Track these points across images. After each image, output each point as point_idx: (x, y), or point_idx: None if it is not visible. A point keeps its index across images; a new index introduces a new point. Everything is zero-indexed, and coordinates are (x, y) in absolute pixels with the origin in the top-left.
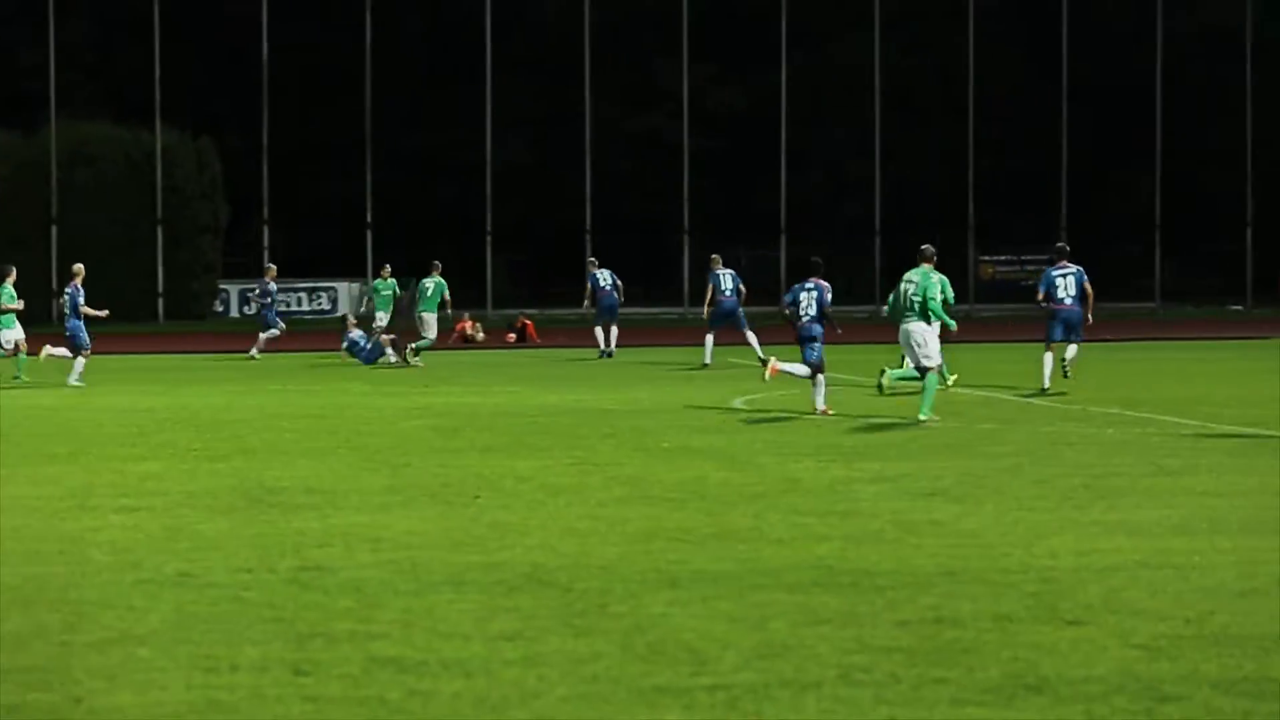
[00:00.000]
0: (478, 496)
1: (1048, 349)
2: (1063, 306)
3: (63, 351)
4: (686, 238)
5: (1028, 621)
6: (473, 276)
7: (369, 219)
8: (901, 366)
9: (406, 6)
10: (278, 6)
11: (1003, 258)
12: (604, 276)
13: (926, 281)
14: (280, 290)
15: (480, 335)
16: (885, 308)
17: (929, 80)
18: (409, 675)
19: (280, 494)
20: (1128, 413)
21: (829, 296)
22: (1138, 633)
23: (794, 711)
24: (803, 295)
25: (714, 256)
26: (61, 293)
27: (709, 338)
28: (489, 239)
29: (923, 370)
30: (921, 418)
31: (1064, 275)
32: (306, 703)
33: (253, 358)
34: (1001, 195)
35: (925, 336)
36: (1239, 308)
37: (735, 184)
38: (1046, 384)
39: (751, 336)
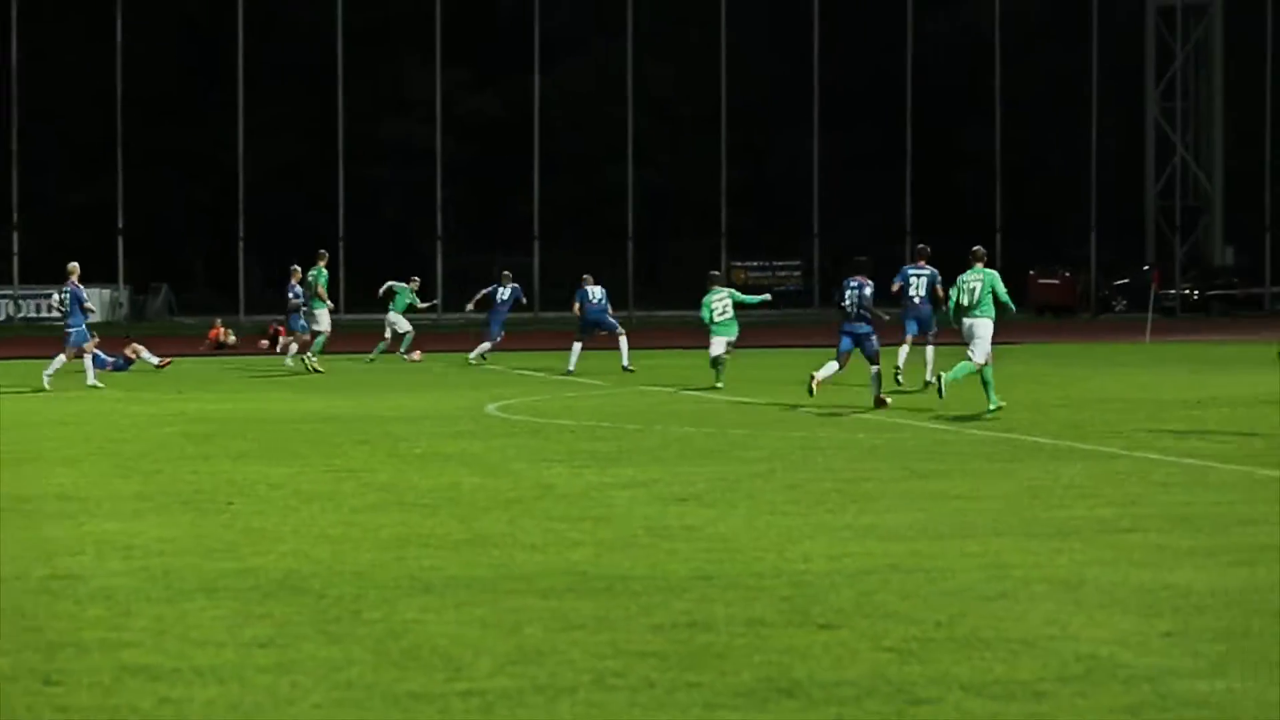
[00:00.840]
0: (231, 503)
1: (905, 343)
2: (913, 305)
3: (146, 354)
4: (440, 244)
5: (780, 625)
6: (225, 282)
7: (120, 224)
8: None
9: (159, 8)
10: (26, 10)
11: (755, 264)
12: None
13: (992, 279)
14: (30, 296)
15: (232, 340)
16: (948, 308)
17: (683, 87)
18: (161, 683)
19: (31, 502)
20: (884, 418)
21: (870, 290)
22: (889, 636)
23: (548, 716)
24: (847, 292)
25: (585, 276)
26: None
27: (577, 345)
28: (241, 244)
29: (978, 364)
30: (991, 408)
31: (919, 275)
32: (57, 712)
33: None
34: (755, 201)
35: (987, 331)
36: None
37: (489, 190)
38: (930, 377)
39: (624, 342)
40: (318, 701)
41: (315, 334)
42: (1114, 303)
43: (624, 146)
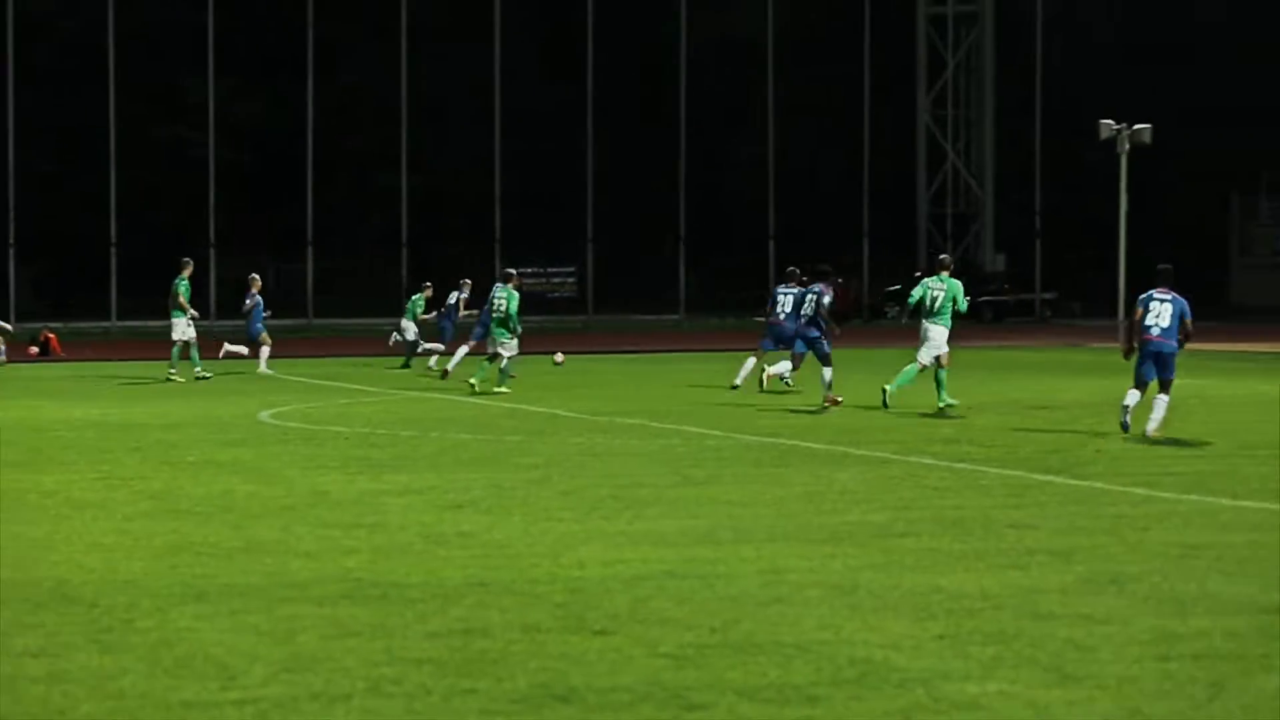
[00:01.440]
0: None
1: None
2: (778, 322)
3: (240, 349)
4: (213, 250)
5: (556, 631)
6: None
7: None
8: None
9: None
10: None
11: (530, 269)
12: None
13: (955, 289)
14: None
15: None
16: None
17: (459, 92)
18: None
19: None
20: (653, 424)
21: (828, 299)
22: (664, 642)
23: None
24: (807, 297)
25: (464, 281)
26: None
27: (463, 350)
28: (11, 250)
29: (921, 365)
30: (941, 404)
31: (785, 294)
32: None
33: None
34: (530, 206)
35: (941, 337)
36: (762, 319)
37: (261, 197)
38: (743, 380)
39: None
40: (89, 712)
41: (174, 342)
42: (887, 309)
43: (398, 152)
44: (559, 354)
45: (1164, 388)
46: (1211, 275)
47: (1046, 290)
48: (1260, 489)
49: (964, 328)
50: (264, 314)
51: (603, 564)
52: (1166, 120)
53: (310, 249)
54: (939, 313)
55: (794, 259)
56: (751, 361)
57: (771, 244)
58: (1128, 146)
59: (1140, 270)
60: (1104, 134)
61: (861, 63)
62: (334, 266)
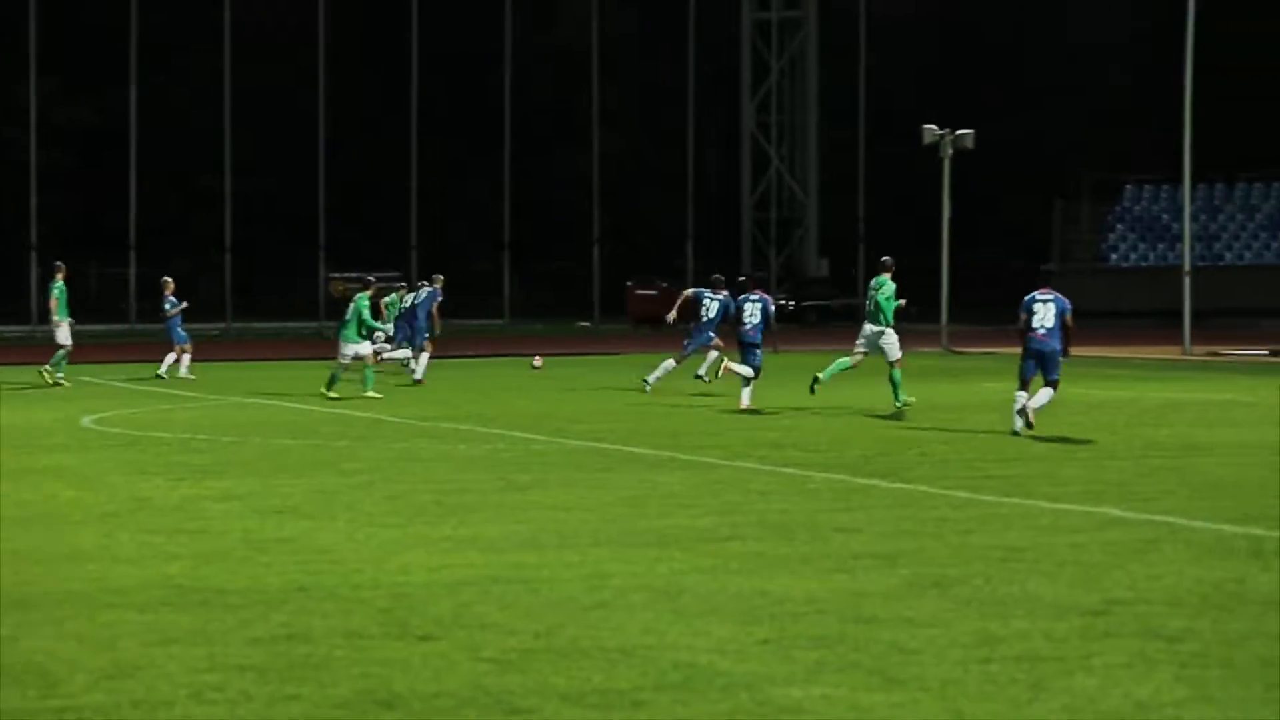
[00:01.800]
0: None
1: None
2: (743, 328)
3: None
4: (34, 254)
5: (379, 637)
6: None
7: None
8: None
9: None
10: None
11: (354, 275)
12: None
13: (889, 291)
14: None
15: None
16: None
17: (284, 96)
18: None
19: None
20: (479, 429)
21: (773, 308)
22: (488, 647)
23: None
24: (746, 305)
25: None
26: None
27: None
28: None
29: (890, 361)
30: (899, 403)
31: (713, 299)
32: None
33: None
34: (353, 213)
35: (893, 336)
36: (586, 324)
37: (85, 200)
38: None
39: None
40: None
41: (60, 347)
42: None
43: (221, 156)
44: (537, 358)
45: (1051, 386)
46: (1035, 279)
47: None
48: (1080, 492)
49: (788, 331)
50: (65, 319)
51: (427, 569)
52: (990, 125)
53: (133, 253)
54: (884, 311)
55: (619, 264)
56: (670, 363)
57: (596, 249)
58: (951, 151)
59: (965, 275)
60: (927, 139)
61: (686, 69)
62: (158, 271)
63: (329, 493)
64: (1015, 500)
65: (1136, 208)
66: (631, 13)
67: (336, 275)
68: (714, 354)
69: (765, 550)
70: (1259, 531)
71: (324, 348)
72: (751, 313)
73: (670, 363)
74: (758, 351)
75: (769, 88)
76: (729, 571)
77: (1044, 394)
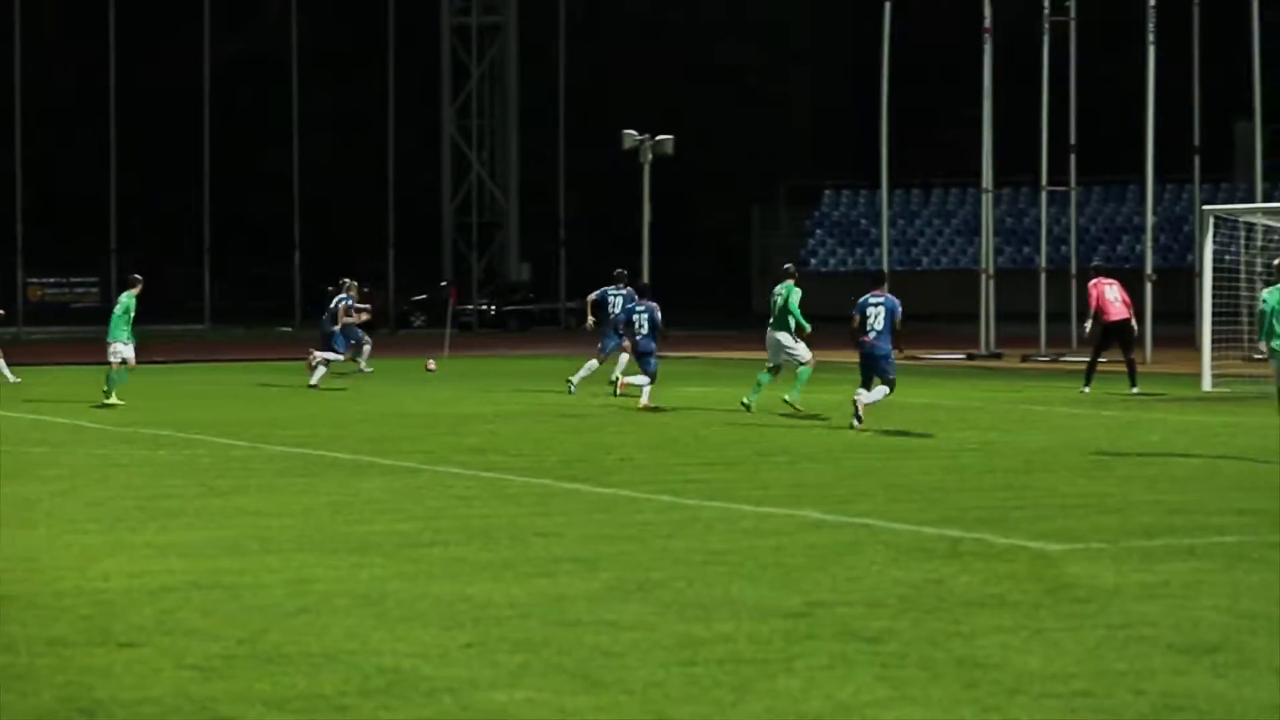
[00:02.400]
0: None
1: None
2: (636, 338)
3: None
4: None
5: (81, 645)
6: None
7: None
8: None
9: None
10: None
11: (52, 280)
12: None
13: (792, 296)
14: None
15: None
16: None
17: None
18: None
19: None
20: (179, 434)
21: (659, 315)
22: (191, 653)
23: None
24: (635, 315)
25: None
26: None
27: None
28: None
29: (800, 362)
30: (787, 398)
31: (640, 311)
32: None
33: None
34: (52, 216)
35: (792, 339)
36: (288, 329)
37: None
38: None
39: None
40: None
41: None
42: (413, 319)
43: None
44: (431, 361)
45: (887, 385)
46: (734, 284)
47: (572, 298)
48: (780, 495)
49: (490, 336)
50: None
51: (128, 576)
52: (690, 132)
53: None
54: (780, 318)
55: (320, 268)
56: (594, 363)
57: (297, 253)
58: (650, 157)
59: (668, 280)
60: (627, 144)
61: (387, 73)
62: None
63: (29, 499)
64: (717, 504)
65: (835, 213)
66: (330, 18)
67: (35, 280)
68: (625, 356)
69: (467, 555)
70: (956, 533)
71: (19, 353)
72: (641, 323)
73: (593, 363)
74: (652, 360)
75: (469, 92)
76: (431, 576)
77: (878, 391)
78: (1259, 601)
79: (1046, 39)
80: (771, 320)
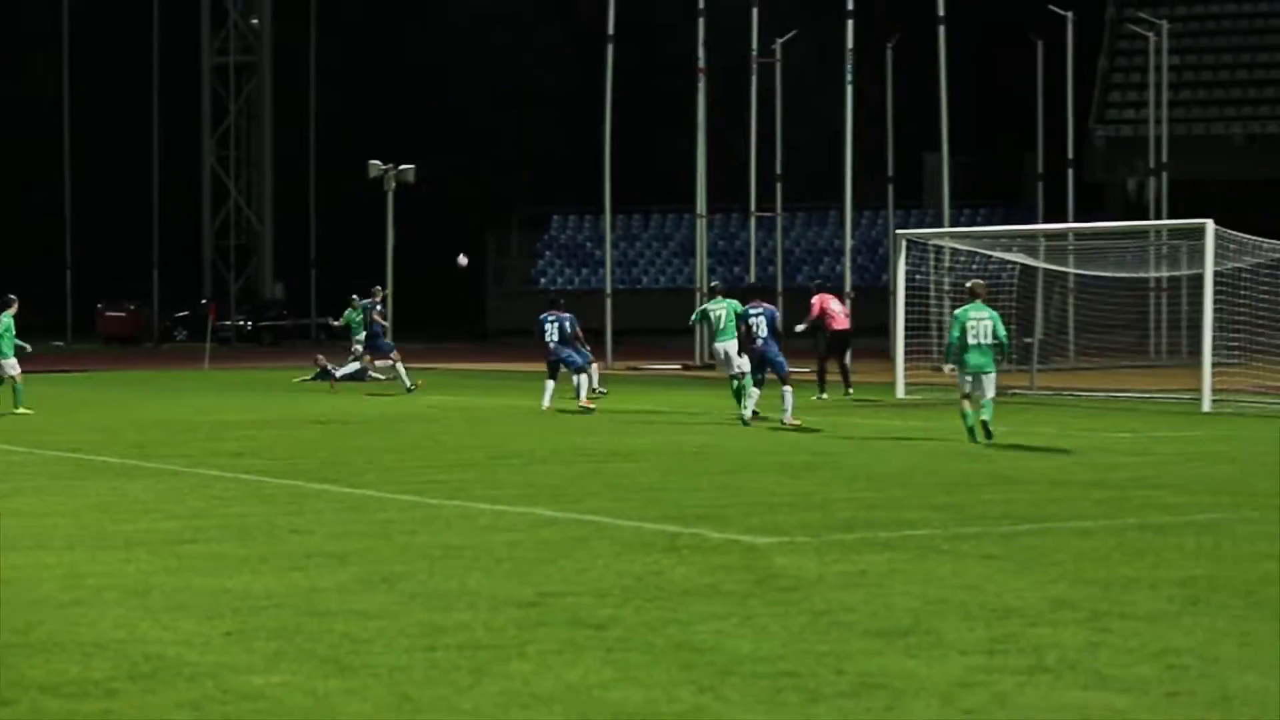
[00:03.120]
0: None
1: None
2: (550, 346)
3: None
4: None
5: None
6: None
7: None
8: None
9: None
10: None
11: None
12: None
13: (733, 307)
14: None
15: None
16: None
17: None
18: None
19: None
20: None
21: (576, 329)
22: None
23: None
24: (547, 325)
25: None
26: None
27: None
28: None
29: (737, 377)
30: (744, 412)
31: (551, 321)
32: None
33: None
34: None
35: (730, 351)
36: (60, 343)
37: None
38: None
39: None
40: None
41: None
42: (175, 333)
43: None
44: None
45: (784, 381)
46: (470, 303)
47: (322, 315)
48: (515, 494)
49: (246, 350)
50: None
51: None
52: (431, 163)
53: None
54: (724, 330)
55: (88, 290)
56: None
57: (69, 273)
58: (394, 185)
59: (409, 297)
60: (373, 173)
61: (151, 110)
62: None
63: None
64: (456, 503)
65: (563, 237)
66: (98, 58)
67: (14, 296)
68: (582, 378)
69: (227, 551)
70: (674, 528)
71: None
72: (551, 333)
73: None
74: (576, 359)
75: (228, 125)
76: (194, 570)
77: (788, 395)
78: (947, 589)
79: (754, 78)
80: (718, 332)
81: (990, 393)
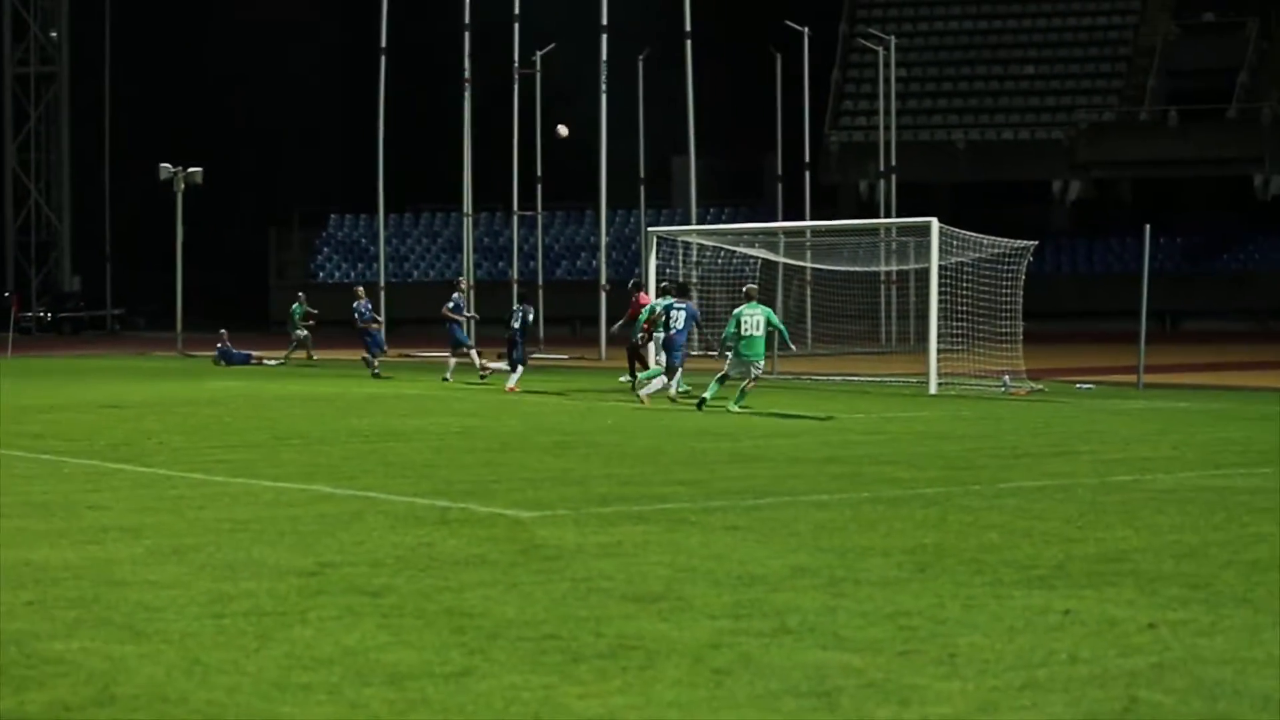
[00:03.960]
0: None
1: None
2: (515, 342)
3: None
4: None
5: None
6: None
7: None
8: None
9: None
10: None
11: None
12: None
13: (671, 307)
14: None
15: None
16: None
17: None
18: None
19: None
20: None
21: (530, 318)
22: None
23: None
24: (516, 318)
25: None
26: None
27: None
28: None
29: (669, 369)
30: (706, 395)
31: (518, 313)
32: None
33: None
34: None
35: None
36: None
37: None
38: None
39: None
40: None
41: None
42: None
43: None
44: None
45: (667, 370)
46: (254, 295)
47: (117, 307)
48: (296, 472)
49: (47, 339)
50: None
51: None
52: (217, 166)
53: None
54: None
55: None
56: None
57: None
58: (183, 186)
59: (198, 291)
60: (164, 175)
61: None
62: None
63: None
64: (242, 480)
65: (340, 234)
66: None
67: None
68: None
69: (28, 526)
70: (444, 503)
71: None
72: (511, 321)
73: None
74: (521, 349)
75: (29, 130)
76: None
77: (657, 380)
78: (696, 558)
79: (516, 87)
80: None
81: (755, 375)
